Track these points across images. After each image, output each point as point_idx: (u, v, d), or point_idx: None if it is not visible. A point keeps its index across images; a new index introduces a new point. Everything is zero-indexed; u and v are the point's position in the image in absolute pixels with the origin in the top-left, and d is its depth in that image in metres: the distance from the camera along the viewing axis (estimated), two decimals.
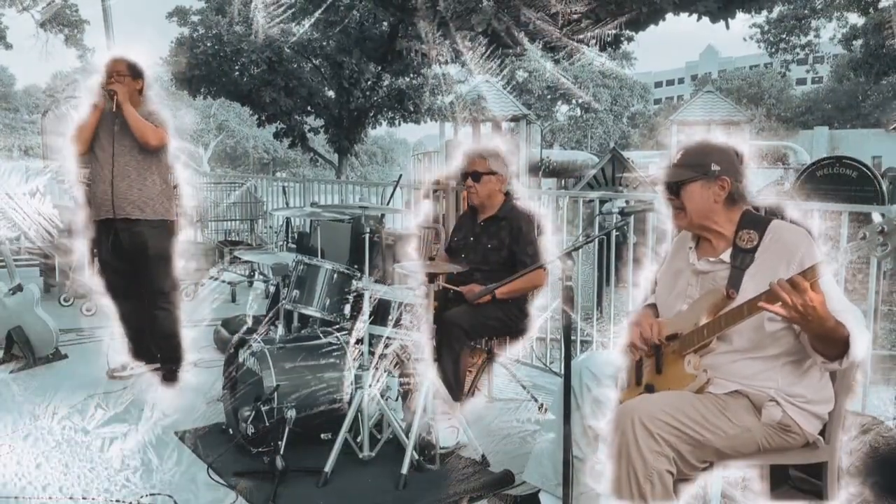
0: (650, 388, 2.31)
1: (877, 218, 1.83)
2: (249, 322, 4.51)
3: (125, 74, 4.12)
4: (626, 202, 4.11)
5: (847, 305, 2.11)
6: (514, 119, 18.59)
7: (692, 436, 2.08)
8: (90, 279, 6.21)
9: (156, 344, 4.38)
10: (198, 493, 2.97)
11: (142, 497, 2.88)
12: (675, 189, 2.30)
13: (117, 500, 2.87)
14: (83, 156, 4.25)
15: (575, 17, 10.01)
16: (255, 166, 46.46)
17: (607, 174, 13.53)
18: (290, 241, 6.29)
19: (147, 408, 3.86)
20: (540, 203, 4.70)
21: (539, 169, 16.68)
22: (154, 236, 4.19)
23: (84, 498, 2.89)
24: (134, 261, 4.22)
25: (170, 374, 4.32)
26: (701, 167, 2.26)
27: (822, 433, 2.22)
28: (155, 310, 4.28)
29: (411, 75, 16.45)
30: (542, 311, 4.64)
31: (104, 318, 4.76)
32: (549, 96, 42.54)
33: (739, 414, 2.15)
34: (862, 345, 2.05)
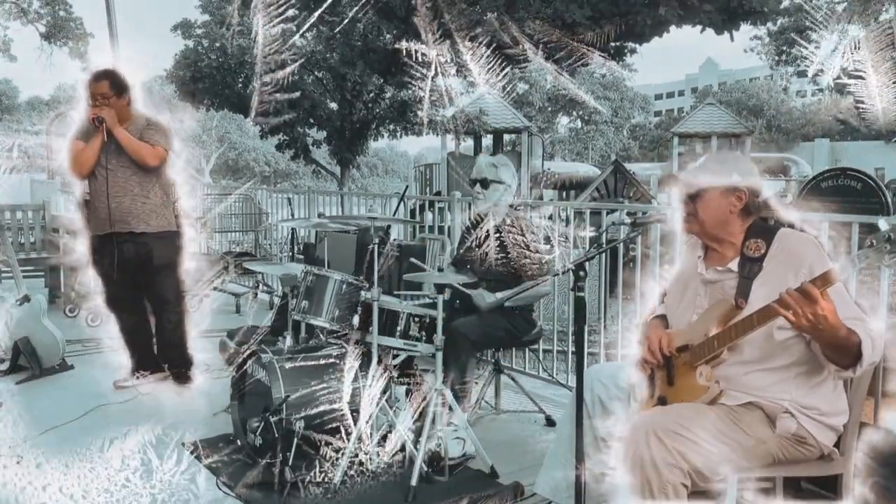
0: (663, 401, 2.30)
1: (883, 226, 1.82)
2: (250, 333, 4.50)
3: (109, 95, 4.03)
4: (635, 213, 4.12)
5: (857, 313, 2.10)
6: (516, 131, 18.64)
7: (707, 448, 2.07)
8: (94, 290, 6.25)
9: (165, 353, 4.40)
10: None
11: None
12: (691, 195, 2.30)
13: None
14: (82, 177, 4.20)
15: (579, 28, 10.06)
16: (256, 178, 46.54)
17: (609, 185, 13.55)
18: (295, 251, 6.29)
19: (149, 418, 3.85)
20: (543, 214, 4.70)
21: (541, 180, 16.70)
22: (159, 248, 4.19)
23: None
24: (139, 273, 4.22)
25: (182, 377, 4.34)
26: (722, 175, 2.27)
27: (836, 445, 2.21)
28: (163, 320, 4.29)
29: (413, 87, 16.52)
30: (548, 321, 4.64)
31: (109, 329, 4.76)
32: (549, 108, 42.67)
33: (754, 425, 2.14)
34: (875, 352, 2.04)
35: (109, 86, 4.05)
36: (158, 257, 4.18)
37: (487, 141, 19.82)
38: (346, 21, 14.63)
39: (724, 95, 42.53)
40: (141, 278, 4.26)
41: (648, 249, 3.92)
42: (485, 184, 3.86)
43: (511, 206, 3.92)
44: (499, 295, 3.68)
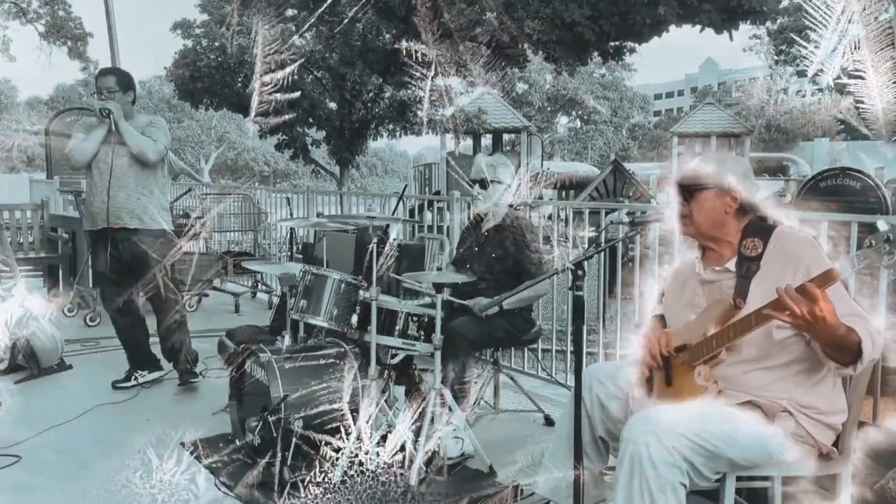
0: (661, 401, 2.30)
1: (882, 226, 1.82)
2: (248, 333, 4.50)
3: (115, 90, 4.14)
4: (634, 212, 4.12)
5: (856, 310, 2.10)
6: (515, 131, 18.65)
7: (705, 447, 2.07)
8: (94, 289, 6.23)
9: (170, 353, 4.39)
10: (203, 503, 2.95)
11: None
12: (686, 195, 2.29)
13: None
14: (80, 169, 4.29)
15: (579, 27, 10.05)
16: (255, 178, 46.56)
17: (609, 185, 13.56)
18: (294, 251, 6.29)
19: (147, 417, 3.85)
20: (542, 213, 4.70)
21: (540, 180, 16.70)
22: (153, 245, 4.20)
23: None
24: (133, 271, 4.22)
25: (188, 376, 4.33)
26: (716, 176, 2.27)
27: (835, 444, 2.21)
28: (165, 320, 4.28)
29: (413, 87, 16.52)
30: (547, 321, 4.64)
31: (108, 329, 4.76)
32: (549, 108, 42.67)
33: (752, 425, 2.13)
34: (875, 349, 2.03)
35: (116, 81, 4.18)
36: (152, 255, 4.19)
37: (487, 140, 19.83)
38: (346, 21, 14.63)
39: (724, 95, 42.52)
40: (136, 276, 4.26)
41: (648, 249, 3.93)
42: (484, 184, 3.85)
43: (511, 206, 3.91)
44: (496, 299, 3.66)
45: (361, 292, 3.45)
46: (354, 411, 3.25)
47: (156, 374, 4.46)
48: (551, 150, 40.52)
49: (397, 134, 17.95)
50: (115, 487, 3.08)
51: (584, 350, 2.43)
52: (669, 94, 66.85)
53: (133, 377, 4.40)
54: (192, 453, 3.41)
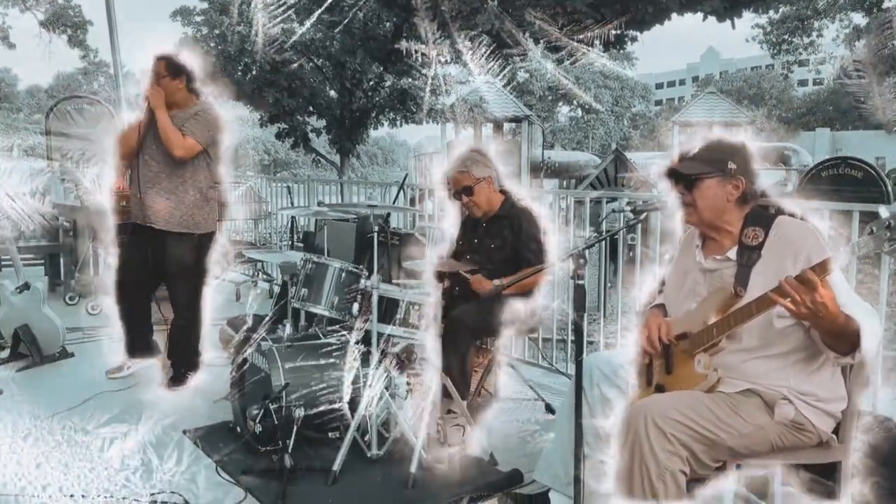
0: (661, 389, 2.31)
1: (883, 213, 1.81)
2: (250, 321, 4.50)
3: (163, 76, 3.91)
4: (633, 201, 4.12)
5: (856, 300, 2.10)
6: (516, 120, 18.60)
7: (705, 435, 2.08)
8: (95, 278, 6.22)
9: (171, 353, 4.30)
10: (205, 491, 2.96)
11: (152, 494, 2.88)
12: (688, 183, 2.28)
13: (124, 498, 2.86)
14: (125, 160, 4.09)
15: (577, 16, 10.01)
16: (255, 167, 46.48)
17: (609, 174, 13.55)
18: (295, 240, 6.30)
19: (149, 406, 3.85)
20: (542, 202, 4.70)
21: (541, 169, 16.69)
22: (177, 248, 4.01)
23: (84, 496, 2.89)
24: (157, 268, 4.14)
25: (178, 380, 4.26)
26: (718, 163, 2.24)
27: (835, 432, 2.22)
28: (174, 322, 4.20)
29: (414, 75, 16.46)
30: (548, 310, 4.64)
31: (109, 318, 4.75)
32: (550, 97, 42.56)
33: (752, 412, 2.14)
34: (871, 339, 2.03)
35: (165, 66, 3.94)
36: (174, 259, 4.02)
37: (487, 130, 19.77)
38: (347, 20, 14.57)
39: (725, 84, 42.42)
40: (157, 275, 4.18)
41: (648, 249, 3.93)
42: (469, 191, 3.80)
43: (502, 192, 3.88)
44: (497, 282, 3.66)
45: (363, 281, 3.45)
46: (355, 399, 3.26)
47: (150, 363, 4.40)
48: (552, 140, 40.44)
49: (398, 123, 17.90)
50: (118, 475, 3.09)
51: (585, 339, 2.44)
52: (671, 84, 66.70)
53: (126, 367, 4.36)
54: (193, 441, 3.42)
